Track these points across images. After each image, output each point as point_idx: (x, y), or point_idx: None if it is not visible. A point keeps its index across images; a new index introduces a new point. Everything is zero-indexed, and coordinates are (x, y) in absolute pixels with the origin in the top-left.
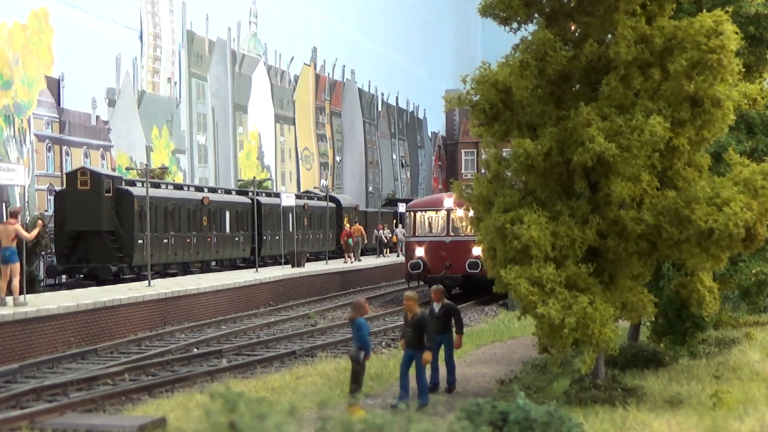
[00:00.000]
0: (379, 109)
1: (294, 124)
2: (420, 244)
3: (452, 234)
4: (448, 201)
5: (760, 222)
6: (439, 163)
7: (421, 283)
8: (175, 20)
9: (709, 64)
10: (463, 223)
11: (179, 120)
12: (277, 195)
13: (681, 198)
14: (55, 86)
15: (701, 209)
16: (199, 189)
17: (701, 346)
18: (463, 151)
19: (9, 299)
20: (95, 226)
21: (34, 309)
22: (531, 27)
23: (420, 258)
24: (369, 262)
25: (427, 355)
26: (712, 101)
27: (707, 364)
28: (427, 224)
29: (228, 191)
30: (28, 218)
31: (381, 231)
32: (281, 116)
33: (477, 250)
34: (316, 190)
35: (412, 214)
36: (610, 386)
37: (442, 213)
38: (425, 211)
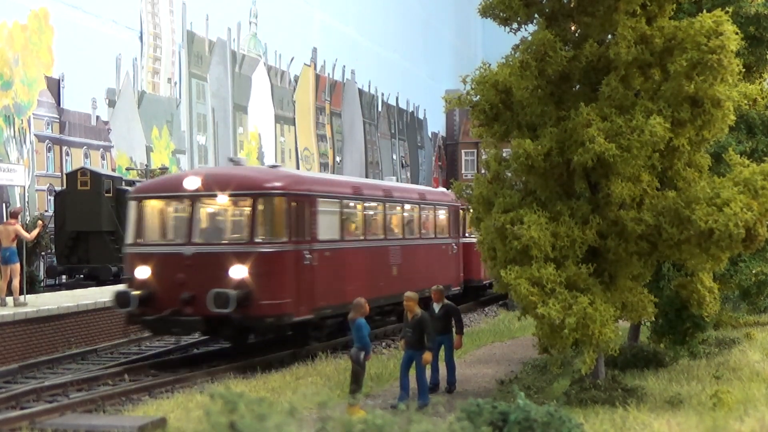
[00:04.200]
0: (379, 109)
1: (294, 125)
2: (144, 258)
3: (199, 241)
4: (193, 181)
5: (760, 222)
6: (439, 163)
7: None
8: (175, 20)
9: (709, 64)
10: (222, 219)
11: (179, 120)
12: None
13: (681, 198)
14: (55, 86)
15: (701, 209)
16: None
17: (701, 347)
18: (463, 151)
19: (9, 299)
20: (95, 226)
21: (34, 309)
22: (531, 27)
23: (143, 284)
24: None
25: (427, 356)
26: (712, 101)
27: (707, 365)
28: (159, 224)
29: None
30: (28, 219)
31: None
32: (281, 116)
33: (239, 270)
34: None
35: (137, 205)
36: (610, 386)
37: (184, 204)
38: (157, 198)
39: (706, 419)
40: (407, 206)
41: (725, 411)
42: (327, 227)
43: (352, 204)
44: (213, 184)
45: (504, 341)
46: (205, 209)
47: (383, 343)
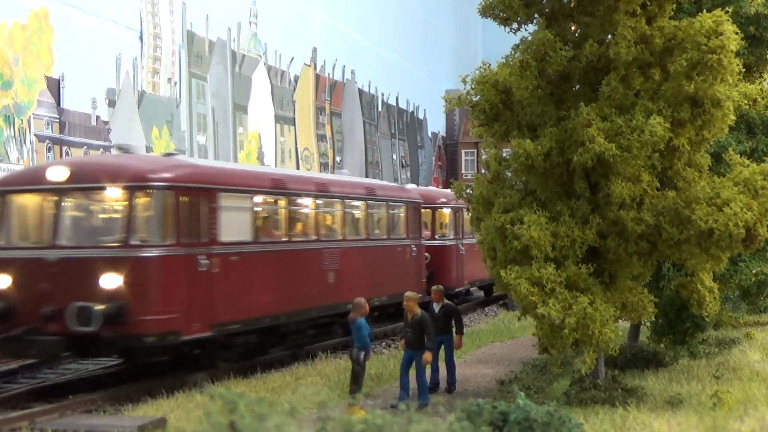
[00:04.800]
0: (379, 109)
1: (294, 125)
2: (4, 265)
3: (65, 244)
4: (59, 172)
5: (760, 222)
6: (439, 163)
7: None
8: (175, 20)
9: (709, 64)
10: (94, 218)
11: (179, 120)
12: None
13: (681, 198)
14: (55, 86)
15: (701, 209)
16: None
17: (701, 347)
18: (463, 151)
19: None
20: None
21: None
22: (531, 27)
23: (1, 295)
24: None
25: (427, 356)
26: (712, 101)
27: (707, 364)
28: (21, 223)
29: None
30: None
31: None
32: (281, 116)
33: (112, 279)
34: None
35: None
36: (610, 386)
37: (48, 200)
38: (19, 192)
39: (706, 419)
40: (350, 203)
41: (725, 411)
42: (233, 227)
43: (270, 200)
44: (83, 175)
45: (504, 341)
46: (74, 206)
47: (383, 343)
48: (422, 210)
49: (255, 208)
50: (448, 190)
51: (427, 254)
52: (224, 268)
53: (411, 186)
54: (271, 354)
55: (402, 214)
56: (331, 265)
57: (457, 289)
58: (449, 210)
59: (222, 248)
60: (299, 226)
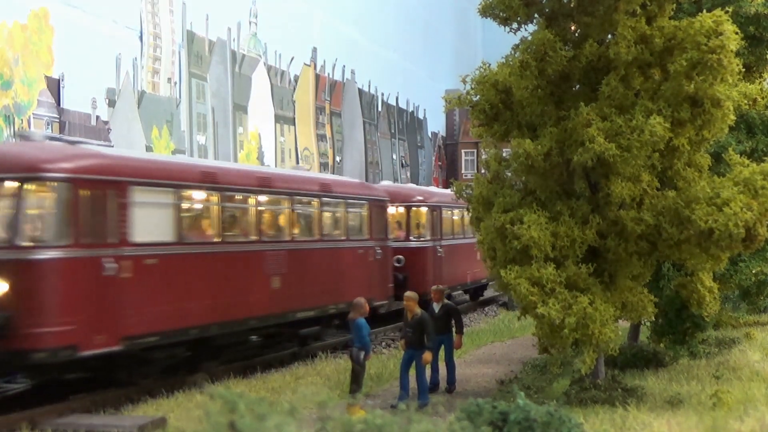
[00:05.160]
0: (379, 109)
1: (294, 124)
2: None
3: None
4: None
5: (760, 222)
6: (439, 163)
7: None
8: (175, 20)
9: (709, 64)
10: None
11: (179, 120)
12: None
13: (681, 198)
14: (55, 86)
15: (701, 209)
16: None
17: (701, 346)
18: (463, 151)
19: None
20: None
21: None
22: (531, 27)
23: None
24: None
25: (427, 355)
26: (712, 101)
27: (707, 364)
28: None
29: None
30: None
31: None
32: (281, 116)
33: None
34: None
35: None
36: (610, 386)
37: None
38: None
39: (706, 419)
40: (300, 200)
41: (725, 411)
42: (151, 226)
43: (200, 195)
44: None
45: (504, 341)
46: None
47: (383, 343)
48: (399, 209)
49: (180, 205)
50: (427, 188)
51: (400, 256)
52: (138, 273)
53: (387, 183)
54: (268, 354)
55: (364, 213)
56: (276, 269)
57: None
58: (426, 209)
59: (135, 250)
60: (236, 226)
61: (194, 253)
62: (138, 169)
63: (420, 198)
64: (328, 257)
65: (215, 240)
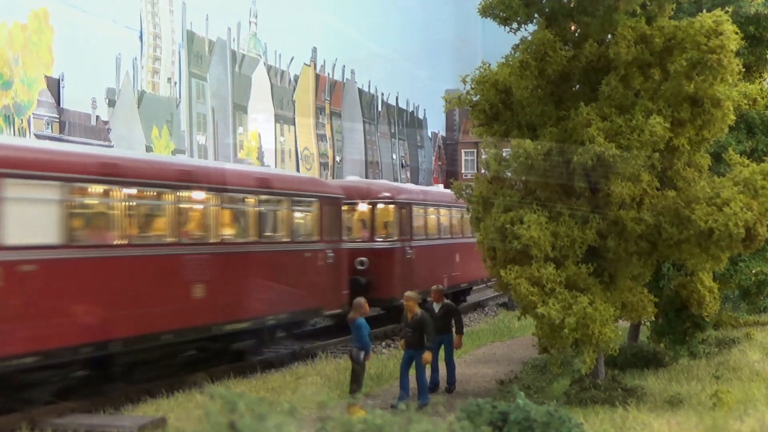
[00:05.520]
0: (379, 109)
1: (294, 125)
2: None
3: None
4: None
5: (760, 222)
6: (439, 163)
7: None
8: (175, 20)
9: (709, 64)
10: None
11: (179, 120)
12: None
13: (681, 198)
14: (55, 86)
15: (701, 209)
16: None
17: (701, 346)
18: (463, 151)
19: None
20: None
21: None
22: (531, 27)
23: None
24: None
25: (427, 356)
26: (712, 101)
27: (707, 364)
28: None
29: None
30: None
31: None
32: (281, 116)
33: None
34: None
35: None
36: (610, 386)
37: None
38: None
39: (706, 419)
40: (230, 196)
41: (725, 411)
42: (30, 226)
43: (97, 190)
44: None
45: (504, 341)
46: None
47: (383, 343)
48: (363, 207)
49: (70, 202)
50: (398, 184)
51: (363, 259)
52: (11, 282)
53: (354, 178)
54: (267, 355)
55: (313, 212)
56: (199, 275)
57: (400, 301)
58: (393, 206)
59: (8, 254)
60: (148, 226)
61: (88, 258)
62: (14, 160)
63: (387, 194)
64: (267, 262)
65: (117, 243)
